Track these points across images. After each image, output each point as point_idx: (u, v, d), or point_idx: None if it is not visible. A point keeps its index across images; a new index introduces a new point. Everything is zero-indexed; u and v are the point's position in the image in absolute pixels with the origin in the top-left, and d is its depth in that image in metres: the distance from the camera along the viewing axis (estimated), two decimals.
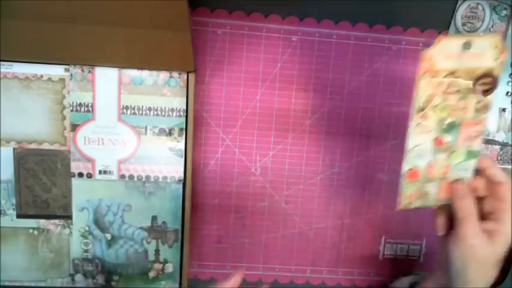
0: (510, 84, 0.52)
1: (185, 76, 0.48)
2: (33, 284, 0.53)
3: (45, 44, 0.45)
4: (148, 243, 0.53)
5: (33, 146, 0.50)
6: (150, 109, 0.49)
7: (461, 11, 0.53)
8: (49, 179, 0.51)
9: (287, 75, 0.53)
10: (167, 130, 0.49)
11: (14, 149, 0.50)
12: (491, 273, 0.39)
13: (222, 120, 0.53)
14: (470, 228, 0.37)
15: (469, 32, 0.52)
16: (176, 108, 0.49)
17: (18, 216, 0.51)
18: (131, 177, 0.50)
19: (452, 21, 0.53)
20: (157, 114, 0.49)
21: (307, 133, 0.54)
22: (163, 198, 0.52)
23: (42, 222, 0.52)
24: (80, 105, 0.48)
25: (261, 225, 0.56)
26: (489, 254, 0.38)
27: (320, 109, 0.54)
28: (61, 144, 0.50)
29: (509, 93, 0.52)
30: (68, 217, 0.52)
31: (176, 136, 0.49)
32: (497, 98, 0.53)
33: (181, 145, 0.50)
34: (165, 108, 0.49)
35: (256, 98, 0.53)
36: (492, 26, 0.52)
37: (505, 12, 0.52)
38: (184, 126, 0.50)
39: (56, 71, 0.49)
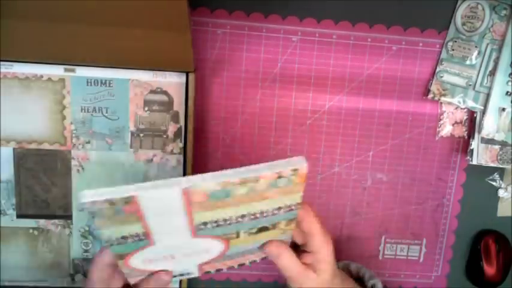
0: (510, 84, 0.52)
1: (303, 171, 0.31)
2: (33, 284, 0.53)
3: (45, 44, 0.45)
4: None
5: (33, 146, 0.50)
6: (243, 216, 0.34)
7: (461, 10, 0.53)
8: (49, 179, 0.51)
9: (287, 75, 0.53)
10: (270, 226, 0.37)
11: (14, 149, 0.50)
12: None
13: (222, 120, 0.53)
14: (295, 273, 0.39)
15: (468, 31, 0.52)
16: (285, 205, 0.34)
17: (18, 216, 0.51)
18: (219, 270, 0.42)
19: (452, 21, 0.53)
20: (255, 218, 0.35)
21: (307, 133, 0.54)
22: None
23: (42, 222, 0.52)
24: (124, 237, 0.32)
25: None
26: (318, 285, 0.40)
27: (320, 109, 0.54)
28: (61, 144, 0.50)
29: (509, 93, 0.52)
30: (68, 217, 0.52)
31: (282, 227, 0.37)
32: (497, 98, 0.53)
33: (289, 233, 0.39)
34: (267, 210, 0.34)
35: (257, 98, 0.53)
36: (492, 26, 0.52)
37: (504, 12, 0.52)
38: (295, 217, 0.37)
39: (56, 71, 0.49)
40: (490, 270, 0.56)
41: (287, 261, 0.39)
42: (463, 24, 0.53)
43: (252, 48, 0.52)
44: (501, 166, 0.55)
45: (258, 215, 0.34)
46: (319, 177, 0.55)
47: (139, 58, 0.47)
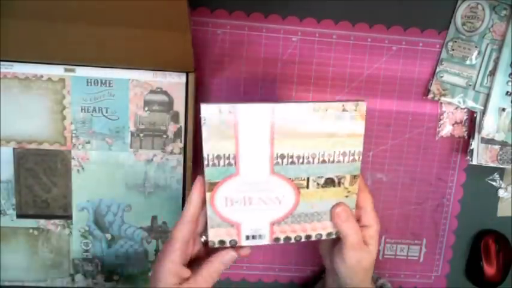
0: (510, 84, 0.52)
1: (363, 107, 0.37)
2: (33, 284, 0.53)
3: (45, 44, 0.45)
4: (148, 243, 0.53)
5: (33, 146, 0.50)
6: (313, 155, 0.38)
7: (461, 10, 0.53)
8: (49, 179, 0.51)
9: (287, 75, 0.53)
10: (336, 179, 0.39)
11: (14, 149, 0.50)
12: (371, 274, 0.43)
13: None
14: (356, 241, 0.40)
15: (468, 31, 0.52)
16: (349, 152, 0.38)
17: (18, 216, 0.51)
18: (287, 239, 0.41)
19: (452, 21, 0.53)
20: (323, 161, 0.38)
21: None
22: (163, 198, 0.52)
23: (42, 222, 0.52)
24: (218, 157, 0.37)
25: None
26: (371, 261, 0.41)
27: None
28: (61, 144, 0.50)
29: (509, 93, 0.52)
30: (68, 217, 0.52)
31: (347, 185, 0.40)
32: (497, 98, 0.53)
33: (353, 195, 0.40)
34: (334, 152, 0.38)
35: (256, 98, 0.53)
36: (492, 26, 0.52)
37: (504, 12, 0.52)
38: (358, 173, 0.40)
39: (56, 71, 0.49)
40: (490, 270, 0.56)
41: (352, 227, 0.40)
42: (463, 24, 0.53)
43: (252, 48, 0.52)
44: (501, 166, 0.55)
45: (326, 158, 0.38)
46: None
47: (139, 58, 0.47)
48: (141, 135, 0.51)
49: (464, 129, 0.55)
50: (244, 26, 0.52)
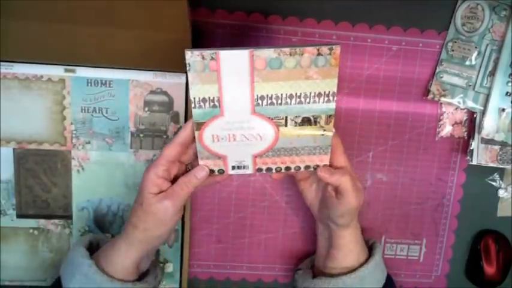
0: (510, 84, 0.52)
1: (338, 50, 0.38)
2: (33, 284, 0.53)
3: (45, 44, 0.45)
4: None
5: (33, 146, 0.50)
6: (291, 97, 0.40)
7: (460, 11, 0.53)
8: (49, 179, 0.51)
9: None
10: (312, 119, 0.42)
11: (14, 149, 0.50)
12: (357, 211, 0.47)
13: None
14: (350, 186, 0.44)
15: (468, 32, 0.52)
16: (324, 93, 0.40)
17: (18, 216, 0.51)
18: (269, 169, 0.44)
19: (452, 21, 0.53)
20: (300, 102, 0.40)
21: None
22: None
23: (42, 222, 0.52)
24: (204, 100, 0.40)
25: (261, 225, 0.56)
26: (361, 196, 0.45)
27: None
28: (61, 144, 0.50)
29: (508, 94, 0.53)
30: (68, 217, 0.52)
31: (323, 124, 0.42)
32: (497, 98, 0.53)
33: (328, 134, 0.43)
34: (310, 93, 0.40)
35: None
36: (491, 26, 0.52)
37: (504, 12, 0.52)
38: (333, 113, 0.42)
39: (56, 71, 0.49)
40: (490, 270, 0.57)
41: (338, 178, 0.43)
42: (463, 24, 0.53)
43: None
44: (501, 166, 0.55)
45: (302, 99, 0.40)
46: None
47: (139, 58, 0.47)
48: (141, 135, 0.51)
49: (464, 130, 0.55)
50: (244, 26, 0.52)
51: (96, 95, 0.50)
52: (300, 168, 0.44)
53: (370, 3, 0.52)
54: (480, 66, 0.53)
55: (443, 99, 0.54)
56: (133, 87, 0.50)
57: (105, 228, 0.52)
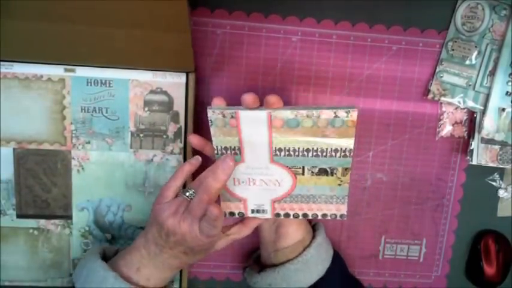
0: (510, 84, 0.52)
1: (355, 114, 0.40)
2: (33, 284, 0.53)
3: (45, 44, 0.45)
4: None
5: (33, 146, 0.50)
6: (307, 150, 0.42)
7: (461, 10, 0.53)
8: (49, 179, 0.51)
9: (287, 75, 0.53)
10: (329, 170, 0.43)
11: (14, 149, 0.50)
12: None
13: None
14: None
15: (468, 31, 0.52)
16: (341, 149, 0.42)
17: (18, 216, 0.51)
18: (287, 215, 0.46)
19: (452, 21, 0.53)
20: (316, 155, 0.42)
21: None
22: None
23: (42, 222, 0.52)
24: (226, 148, 0.43)
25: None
26: None
27: None
28: (61, 144, 0.50)
29: (509, 93, 0.52)
30: (68, 217, 0.52)
31: (339, 176, 0.43)
32: (497, 98, 0.53)
33: (345, 185, 0.44)
34: (326, 149, 0.42)
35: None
36: (492, 26, 0.52)
37: (504, 12, 0.52)
38: (349, 166, 0.43)
39: (56, 71, 0.49)
40: (490, 270, 0.56)
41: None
42: (463, 24, 0.53)
43: (252, 48, 0.52)
44: (501, 166, 0.55)
45: (319, 153, 0.42)
46: None
47: (139, 58, 0.47)
48: (141, 135, 0.51)
49: (464, 129, 0.55)
50: (244, 26, 0.52)
51: (96, 95, 0.50)
52: (317, 215, 0.46)
53: (370, 3, 0.52)
54: (480, 66, 0.53)
55: (443, 98, 0.54)
56: (133, 87, 0.50)
57: (105, 228, 0.52)
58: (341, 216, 0.46)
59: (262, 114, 0.40)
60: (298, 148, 0.42)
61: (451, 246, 0.58)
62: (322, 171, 0.43)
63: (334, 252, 0.50)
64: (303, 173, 0.43)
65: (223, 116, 0.41)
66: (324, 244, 0.49)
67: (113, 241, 0.53)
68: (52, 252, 0.52)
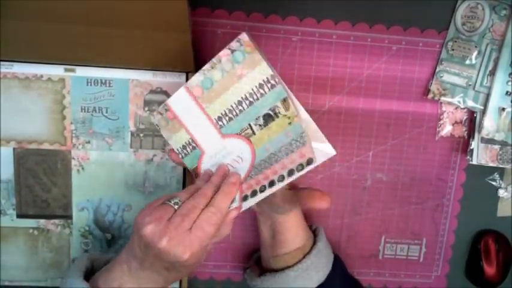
0: (510, 84, 0.52)
1: (245, 38, 0.38)
2: (33, 284, 0.53)
3: (45, 44, 0.45)
4: None
5: (33, 146, 0.50)
6: (240, 102, 0.40)
7: (461, 10, 0.53)
8: (49, 179, 0.51)
9: (287, 75, 0.53)
10: (271, 113, 0.40)
11: (14, 149, 0.50)
12: None
13: None
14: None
15: (468, 31, 0.52)
16: (264, 80, 0.39)
17: (18, 216, 0.51)
18: (253, 193, 0.42)
19: (452, 21, 0.53)
20: (250, 103, 0.40)
21: None
22: None
23: (42, 222, 0.52)
24: (184, 147, 0.43)
25: None
26: None
27: (320, 109, 0.54)
28: (61, 144, 0.50)
29: (509, 93, 0.52)
30: (68, 217, 0.52)
31: (283, 112, 0.39)
32: (497, 97, 0.53)
33: (294, 119, 0.39)
34: (252, 89, 0.39)
35: None
36: (492, 26, 0.52)
37: (504, 12, 0.52)
38: (286, 95, 0.39)
39: (56, 71, 0.49)
40: (490, 270, 0.56)
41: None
42: (463, 24, 0.53)
43: None
44: (501, 166, 0.55)
45: (250, 98, 0.40)
46: (319, 177, 0.55)
47: (139, 58, 0.47)
48: (141, 135, 0.51)
49: (464, 129, 0.55)
50: (244, 26, 0.52)
51: (96, 95, 0.50)
52: (283, 177, 0.40)
53: (370, 3, 0.52)
54: (480, 66, 0.53)
55: (443, 98, 0.54)
56: (133, 86, 0.50)
57: (105, 228, 0.52)
58: (309, 162, 0.39)
59: (181, 91, 0.41)
60: (232, 106, 0.40)
61: (451, 246, 0.58)
62: (267, 118, 0.40)
63: (334, 256, 0.50)
64: (253, 132, 0.40)
65: (160, 113, 0.42)
66: (324, 250, 0.49)
67: (112, 241, 0.53)
68: (52, 252, 0.52)
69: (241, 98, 0.40)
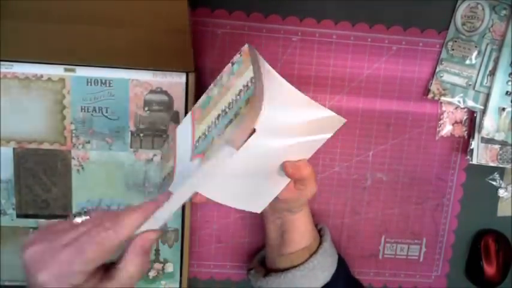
0: (510, 84, 0.52)
1: (246, 49, 0.36)
2: None
3: (45, 44, 0.45)
4: None
5: (33, 146, 0.50)
6: (218, 116, 0.36)
7: (461, 10, 0.53)
8: (49, 179, 0.51)
9: (287, 75, 0.53)
10: (233, 118, 0.35)
11: (14, 149, 0.50)
12: None
13: None
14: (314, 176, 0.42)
15: (468, 31, 0.52)
16: (244, 86, 0.35)
17: (18, 216, 0.51)
18: None
19: (452, 21, 0.53)
20: (225, 112, 0.35)
21: None
22: None
23: (42, 222, 0.52)
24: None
25: (261, 224, 0.56)
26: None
27: None
28: (61, 144, 0.50)
29: (509, 93, 0.53)
30: (68, 217, 0.52)
31: (244, 112, 0.33)
32: (497, 97, 0.53)
33: (243, 112, 0.34)
34: (232, 99, 0.35)
35: None
36: (492, 26, 0.52)
37: (504, 12, 0.52)
38: (251, 93, 0.33)
39: (56, 71, 0.49)
40: (490, 269, 0.57)
41: (309, 167, 0.40)
42: (463, 24, 0.53)
43: None
44: (501, 166, 0.55)
45: (226, 110, 0.35)
46: (319, 177, 0.55)
47: (139, 58, 0.47)
48: (141, 135, 0.51)
49: (464, 129, 0.55)
50: (244, 26, 0.52)
51: (96, 95, 0.50)
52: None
53: (370, 3, 0.52)
54: (480, 66, 0.53)
55: (443, 98, 0.54)
56: (133, 86, 0.50)
57: None
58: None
59: (188, 116, 0.40)
60: (212, 121, 0.35)
61: (451, 246, 0.58)
62: (228, 124, 0.33)
63: (339, 256, 0.50)
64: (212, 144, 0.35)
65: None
66: (329, 250, 0.49)
67: None
68: None
69: (221, 111, 0.35)
